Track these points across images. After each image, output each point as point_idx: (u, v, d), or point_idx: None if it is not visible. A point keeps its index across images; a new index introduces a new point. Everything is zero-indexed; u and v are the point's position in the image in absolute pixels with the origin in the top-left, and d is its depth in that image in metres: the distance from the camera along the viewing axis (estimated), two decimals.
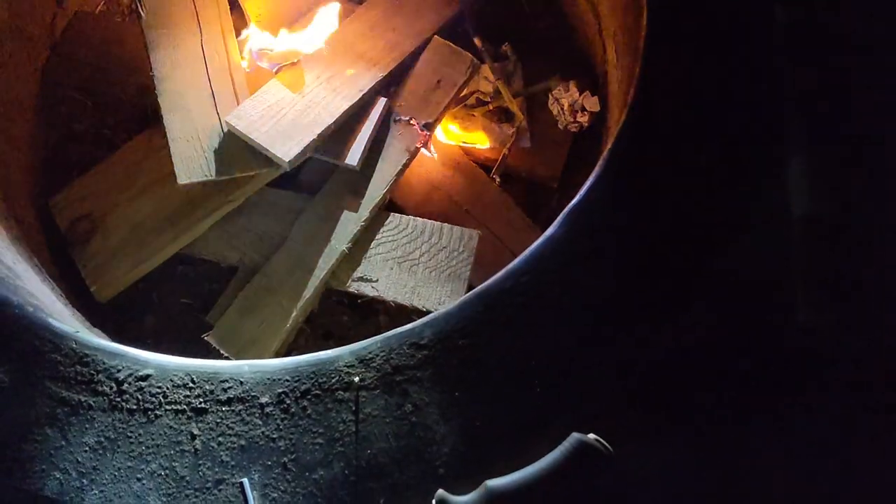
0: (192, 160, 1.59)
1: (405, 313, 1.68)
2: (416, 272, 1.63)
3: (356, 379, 1.12)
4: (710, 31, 1.30)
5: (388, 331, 1.67)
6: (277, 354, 1.59)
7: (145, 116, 1.82)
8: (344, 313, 1.72)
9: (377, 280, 1.63)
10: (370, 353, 1.14)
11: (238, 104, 1.63)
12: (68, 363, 1.14)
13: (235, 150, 1.60)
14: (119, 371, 1.13)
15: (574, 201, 1.21)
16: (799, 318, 1.15)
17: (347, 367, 1.13)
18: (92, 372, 1.13)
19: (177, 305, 1.73)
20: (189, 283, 1.75)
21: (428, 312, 1.61)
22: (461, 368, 1.12)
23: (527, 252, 1.19)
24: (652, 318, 1.15)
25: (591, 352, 1.13)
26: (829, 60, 1.29)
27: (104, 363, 1.14)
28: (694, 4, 1.32)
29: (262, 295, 1.62)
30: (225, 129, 1.61)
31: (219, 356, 1.58)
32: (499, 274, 1.18)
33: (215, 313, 1.66)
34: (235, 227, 1.71)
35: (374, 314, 1.72)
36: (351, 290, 1.64)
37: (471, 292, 1.17)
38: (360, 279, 1.64)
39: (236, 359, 1.56)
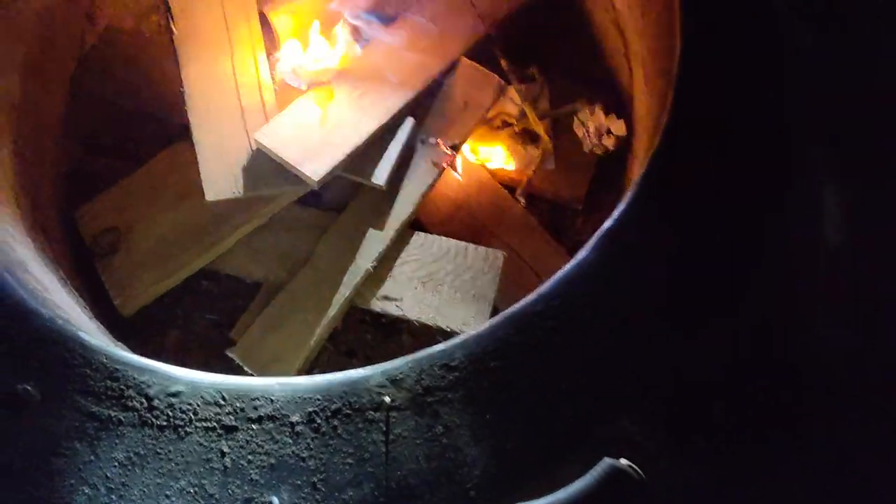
0: (219, 177, 1.60)
1: (429, 333, 1.68)
2: (441, 292, 1.63)
3: (387, 399, 1.11)
4: (743, 58, 1.31)
5: (411, 350, 1.68)
6: (301, 372, 1.59)
7: (172, 131, 1.83)
8: (367, 331, 1.72)
9: (402, 299, 1.63)
10: (401, 373, 1.13)
11: (267, 122, 1.64)
12: (98, 378, 1.13)
13: (263, 167, 1.61)
14: (149, 387, 1.13)
15: (606, 225, 1.21)
16: (822, 341, 1.15)
17: (378, 387, 1.12)
18: (122, 387, 1.13)
19: (200, 320, 1.74)
20: (213, 299, 1.75)
21: (452, 333, 1.62)
22: (492, 391, 1.12)
23: (557, 275, 1.19)
24: (679, 341, 1.15)
25: (620, 374, 1.13)
26: (859, 88, 1.29)
27: (134, 378, 1.14)
28: (727, 31, 1.33)
29: (286, 312, 1.62)
30: (253, 147, 1.62)
31: (242, 372, 1.58)
32: (529, 297, 1.18)
33: (239, 329, 1.67)
34: (261, 243, 1.71)
35: (398, 333, 1.71)
36: (375, 308, 1.64)
37: (501, 315, 1.17)
38: (385, 298, 1.63)
39: (259, 375, 1.56)
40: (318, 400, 1.12)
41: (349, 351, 1.71)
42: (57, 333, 1.16)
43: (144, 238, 1.70)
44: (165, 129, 1.85)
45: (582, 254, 1.19)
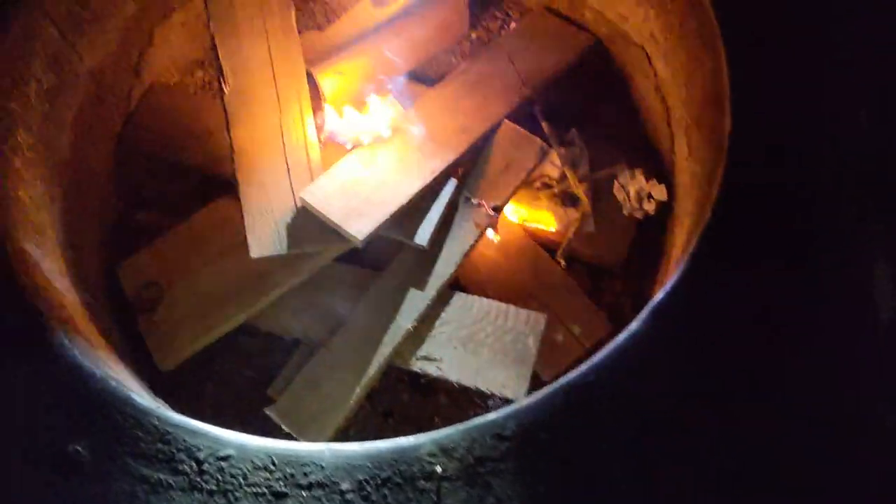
0: (265, 234, 1.61)
1: (466, 394, 1.67)
2: (481, 353, 1.62)
3: (438, 469, 1.11)
4: (795, 131, 1.32)
5: (448, 411, 1.68)
6: (339, 431, 1.58)
7: (215, 186, 1.85)
8: (404, 391, 1.71)
9: (441, 360, 1.62)
10: (452, 442, 1.13)
11: (312, 180, 1.66)
12: (150, 440, 1.14)
13: (307, 225, 1.63)
14: (200, 450, 1.13)
15: (658, 298, 1.21)
16: (886, 421, 1.14)
17: (429, 455, 1.12)
18: (173, 450, 1.13)
19: (237, 376, 1.74)
20: (250, 355, 1.76)
21: (491, 395, 1.61)
22: (544, 462, 1.11)
23: (610, 346, 1.18)
24: (734, 416, 1.14)
25: (674, 449, 1.12)
26: None
27: (185, 441, 1.14)
28: (779, 106, 1.34)
29: (325, 370, 1.62)
30: (298, 205, 1.63)
31: (280, 430, 1.58)
32: (581, 367, 1.17)
33: (277, 386, 1.66)
34: (300, 300, 1.72)
35: (434, 394, 1.71)
36: (415, 368, 1.63)
37: (553, 385, 1.17)
38: (425, 358, 1.63)
39: (298, 435, 1.55)
40: (369, 468, 1.12)
41: (386, 411, 1.70)
42: (109, 394, 1.17)
43: (186, 293, 1.71)
44: (208, 183, 1.88)
45: (634, 326, 1.19)
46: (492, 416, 1.15)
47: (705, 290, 1.21)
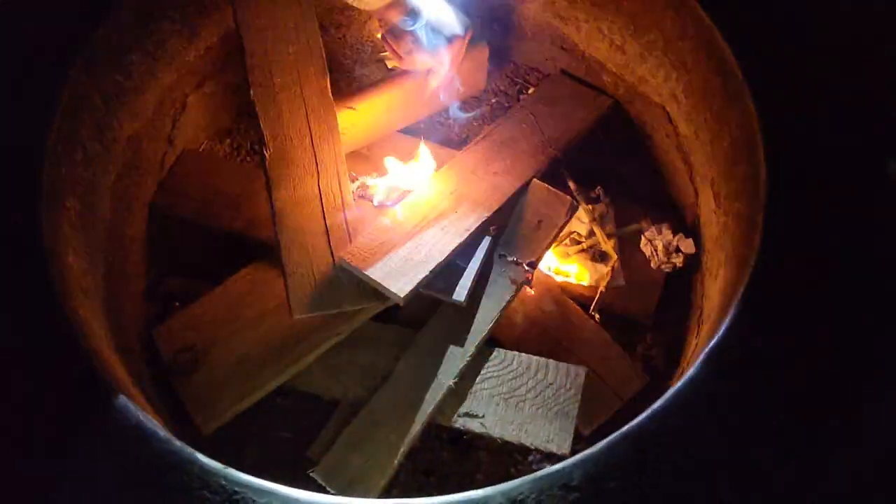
0: (305, 295, 1.63)
1: (505, 451, 1.67)
2: (524, 409, 1.63)
3: None
4: (830, 183, 1.37)
5: (488, 469, 1.68)
6: (383, 491, 1.57)
7: (247, 252, 1.87)
8: (444, 449, 1.71)
9: (484, 416, 1.63)
10: (521, 493, 1.13)
11: (350, 241, 1.69)
12: (218, 500, 1.13)
13: (347, 285, 1.65)
14: None
15: (713, 342, 1.24)
16: None
17: None
18: None
19: (276, 438, 1.72)
20: (289, 416, 1.75)
21: (532, 451, 1.61)
22: None
23: (669, 393, 1.21)
24: (799, 459, 1.15)
25: (742, 493, 1.13)
26: None
27: (254, 501, 1.14)
28: (810, 155, 1.40)
29: (368, 430, 1.62)
30: (338, 265, 1.66)
31: (324, 491, 1.56)
32: (643, 415, 1.19)
33: (317, 448, 1.66)
34: (339, 360, 1.73)
35: (474, 451, 1.70)
36: (457, 426, 1.63)
37: (617, 433, 1.18)
38: (467, 415, 1.64)
39: (342, 495, 1.54)
40: None
41: (427, 470, 1.69)
42: (175, 455, 1.17)
43: (223, 356, 1.71)
44: (241, 248, 1.90)
45: (692, 371, 1.22)
46: (558, 466, 1.16)
47: (758, 332, 1.24)
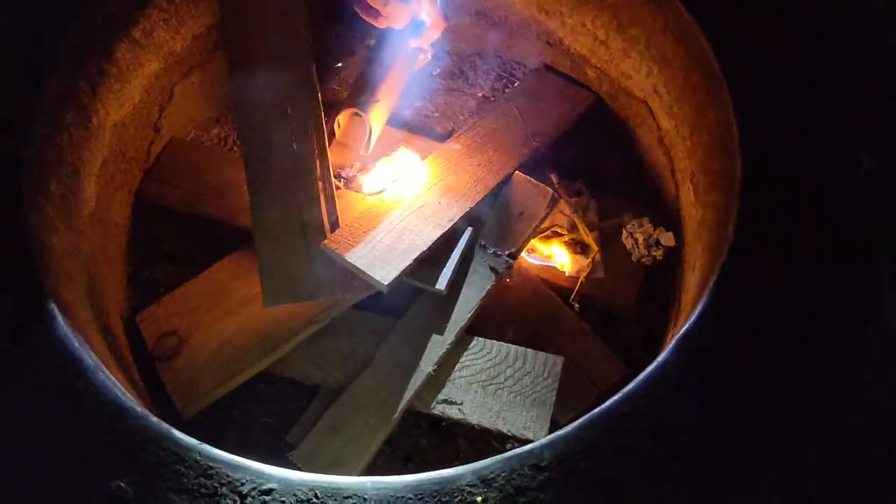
0: (278, 286, 1.66)
1: (484, 439, 1.69)
2: (501, 396, 1.65)
3: (478, 499, 1.13)
4: (803, 176, 1.40)
5: (467, 456, 1.70)
6: (361, 475, 1.59)
7: (233, 239, 1.88)
8: (422, 436, 1.72)
9: (462, 403, 1.65)
10: (492, 472, 1.15)
11: (328, 233, 1.71)
12: (192, 475, 1.15)
13: (321, 277, 1.67)
14: (243, 484, 1.14)
15: (685, 328, 1.26)
16: None
17: (469, 486, 1.14)
18: (216, 485, 1.14)
19: (257, 423, 1.74)
20: (269, 402, 1.76)
21: (512, 437, 1.63)
22: (582, 491, 1.14)
23: (641, 377, 1.23)
24: (765, 446, 1.17)
25: (707, 477, 1.15)
26: None
27: (228, 476, 1.15)
28: (785, 147, 1.42)
29: (347, 415, 1.63)
30: (324, 254, 1.67)
31: None
32: (615, 398, 1.21)
33: (296, 433, 1.67)
34: (320, 347, 1.74)
35: (452, 438, 1.72)
36: (436, 412, 1.65)
37: (588, 415, 1.20)
38: (445, 402, 1.65)
39: None
40: (411, 499, 1.13)
41: (405, 456, 1.71)
42: (151, 431, 1.18)
43: (206, 342, 1.73)
44: (227, 236, 1.91)
45: (664, 356, 1.24)
46: (528, 446, 1.18)
47: (729, 319, 1.26)
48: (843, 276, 1.31)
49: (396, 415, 1.62)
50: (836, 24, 1.55)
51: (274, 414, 1.76)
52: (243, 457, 1.66)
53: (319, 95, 1.86)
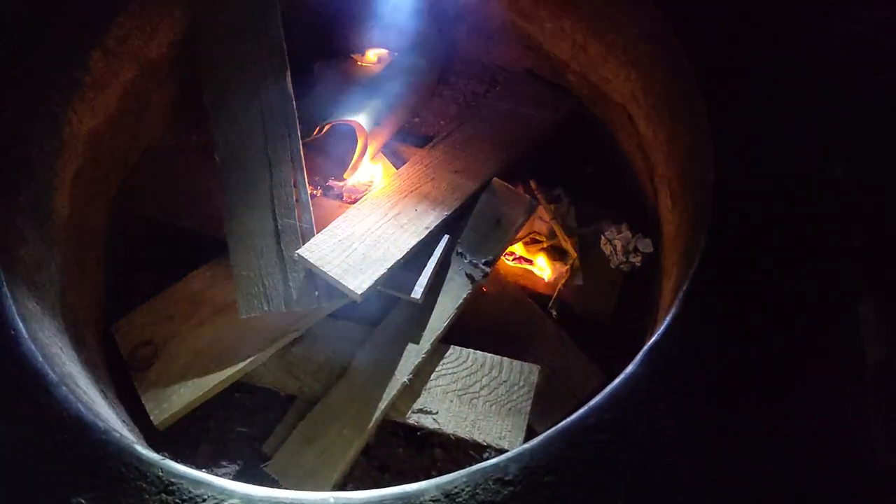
0: (253, 295, 1.65)
1: (461, 448, 1.68)
2: (477, 405, 1.64)
3: None
4: (776, 184, 1.38)
5: (443, 465, 1.68)
6: (336, 486, 1.58)
7: (210, 247, 1.87)
8: (399, 446, 1.71)
9: (437, 412, 1.64)
10: (456, 487, 1.14)
11: (302, 241, 1.70)
12: (154, 491, 1.14)
13: (297, 287, 1.66)
14: (204, 500, 1.13)
15: (653, 339, 1.24)
16: (879, 460, 1.16)
17: (433, 501, 1.13)
18: (177, 501, 1.13)
19: (233, 433, 1.73)
20: (246, 412, 1.76)
21: (487, 447, 1.62)
22: None
23: (608, 389, 1.21)
24: (734, 456, 1.16)
25: (673, 489, 1.14)
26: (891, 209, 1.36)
27: (189, 492, 1.14)
28: (759, 157, 1.41)
29: (322, 425, 1.62)
30: (297, 263, 1.67)
31: (277, 486, 1.57)
32: (581, 411, 1.20)
33: (272, 443, 1.66)
34: (295, 356, 1.73)
35: (429, 447, 1.71)
36: (411, 421, 1.64)
37: (553, 429, 1.19)
38: (420, 411, 1.64)
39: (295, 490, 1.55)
40: None
41: (382, 466, 1.70)
42: (113, 446, 1.17)
43: (181, 352, 1.72)
44: (204, 244, 1.90)
45: (631, 368, 1.22)
46: (493, 461, 1.16)
47: (698, 331, 1.25)
48: (815, 285, 1.29)
49: (371, 425, 1.61)
50: (810, 29, 1.54)
51: (250, 424, 1.75)
52: (218, 467, 1.70)
53: (294, 104, 1.84)
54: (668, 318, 1.26)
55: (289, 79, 1.86)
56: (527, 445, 1.17)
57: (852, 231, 1.31)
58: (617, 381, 1.22)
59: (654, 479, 1.14)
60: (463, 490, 1.13)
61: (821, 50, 1.50)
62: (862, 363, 1.21)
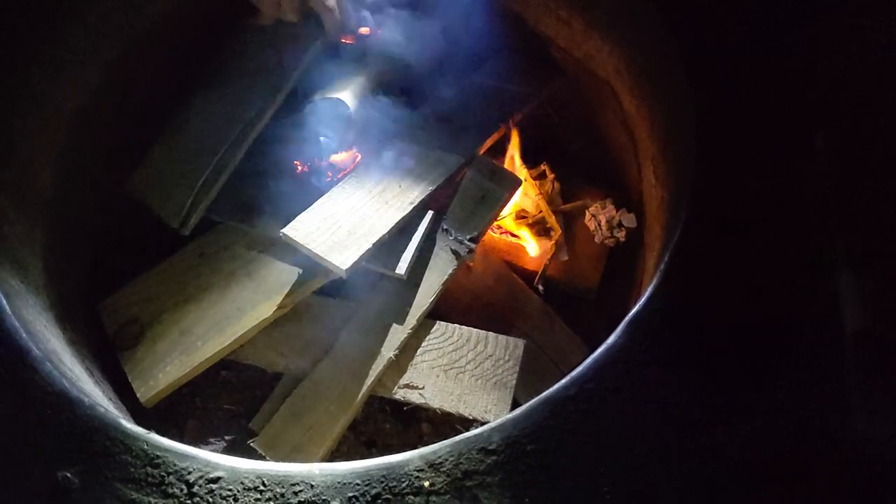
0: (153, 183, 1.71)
1: (448, 422, 1.69)
2: (463, 380, 1.65)
3: (426, 483, 1.13)
4: (759, 156, 1.39)
5: (431, 439, 1.70)
6: (323, 460, 1.59)
7: (196, 224, 1.87)
8: (386, 421, 1.73)
9: (424, 387, 1.65)
10: (440, 457, 1.15)
11: None
12: (139, 465, 1.14)
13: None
14: (190, 473, 1.14)
15: (634, 310, 1.25)
16: (857, 427, 1.18)
17: (417, 471, 1.14)
18: (163, 474, 1.14)
19: (219, 411, 1.74)
20: (232, 389, 1.77)
21: (474, 420, 1.63)
22: (530, 474, 1.13)
23: (590, 359, 1.23)
24: (715, 425, 1.17)
25: (655, 457, 1.15)
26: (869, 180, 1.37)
27: (175, 465, 1.14)
28: (740, 131, 1.42)
29: (309, 401, 1.63)
30: (282, 240, 1.67)
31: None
32: (563, 381, 1.21)
33: (259, 419, 1.67)
34: (282, 333, 1.74)
35: (417, 422, 1.73)
36: (397, 397, 1.65)
37: (536, 399, 1.20)
38: (407, 386, 1.65)
39: None
40: (358, 485, 1.13)
41: (369, 441, 1.71)
42: (98, 420, 1.17)
43: (167, 329, 1.72)
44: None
45: (612, 338, 1.24)
46: (477, 430, 1.17)
47: (679, 301, 1.26)
48: (795, 256, 1.30)
49: (358, 400, 1.62)
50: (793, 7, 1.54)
51: (237, 401, 1.76)
52: (205, 444, 1.71)
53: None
54: (648, 290, 1.26)
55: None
56: (510, 415, 1.19)
57: (833, 202, 1.32)
58: (598, 351, 1.23)
59: (633, 446, 1.16)
60: (447, 460, 1.15)
61: (805, 24, 1.50)
62: (841, 333, 1.22)
